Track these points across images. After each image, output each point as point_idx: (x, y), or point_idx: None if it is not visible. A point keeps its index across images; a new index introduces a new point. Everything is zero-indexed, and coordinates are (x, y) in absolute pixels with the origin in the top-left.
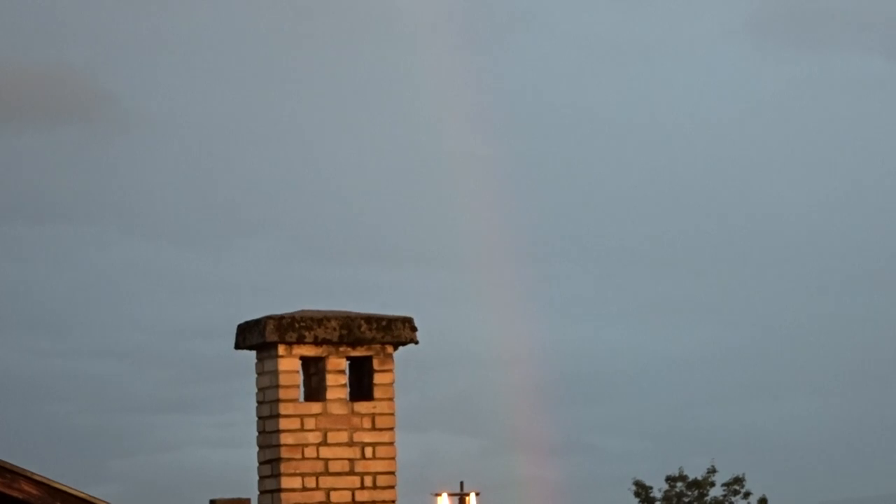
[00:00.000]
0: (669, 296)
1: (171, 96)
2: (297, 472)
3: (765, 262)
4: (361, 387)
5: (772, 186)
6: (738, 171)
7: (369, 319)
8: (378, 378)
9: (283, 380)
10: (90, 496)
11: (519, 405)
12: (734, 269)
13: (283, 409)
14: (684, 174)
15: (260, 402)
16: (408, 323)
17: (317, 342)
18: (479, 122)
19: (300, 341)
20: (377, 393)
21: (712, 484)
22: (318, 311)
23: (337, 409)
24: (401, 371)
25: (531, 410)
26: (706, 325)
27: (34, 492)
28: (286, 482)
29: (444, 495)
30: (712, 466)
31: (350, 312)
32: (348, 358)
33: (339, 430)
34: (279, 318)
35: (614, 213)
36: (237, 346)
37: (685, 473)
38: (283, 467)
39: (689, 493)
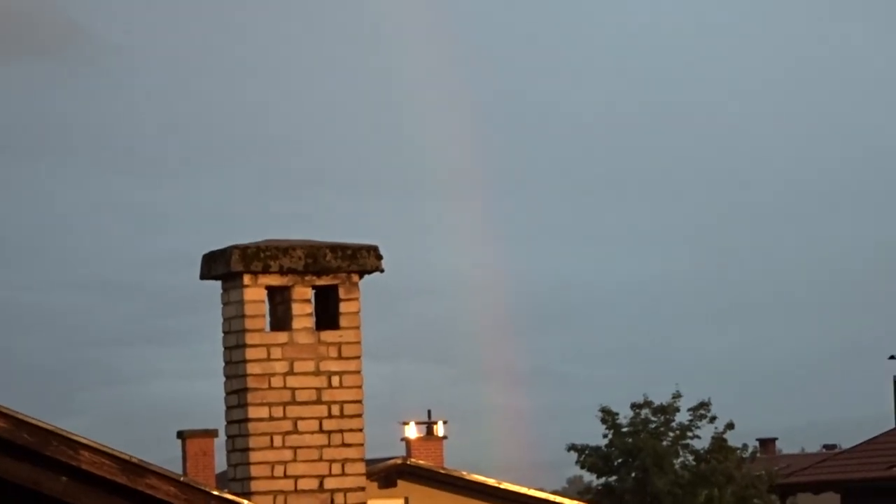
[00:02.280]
0: (637, 223)
1: (140, 27)
2: (264, 401)
3: (732, 186)
4: (327, 316)
5: (746, 106)
6: (717, 94)
7: (334, 248)
8: (344, 307)
9: (248, 309)
10: (58, 428)
11: (486, 334)
12: (702, 195)
13: (250, 338)
14: (658, 100)
15: (226, 333)
16: (373, 251)
17: (282, 271)
18: (448, 47)
19: (265, 271)
20: (343, 322)
21: (678, 409)
22: (284, 241)
23: (303, 339)
24: (367, 300)
25: (499, 339)
26: (673, 252)
27: (2, 424)
28: (253, 412)
29: (412, 424)
30: (677, 392)
31: (315, 241)
32: (314, 287)
33: (305, 359)
34: (244, 248)
35: (583, 142)
36: (202, 277)
37: (650, 399)
38: (250, 397)
39: (655, 418)
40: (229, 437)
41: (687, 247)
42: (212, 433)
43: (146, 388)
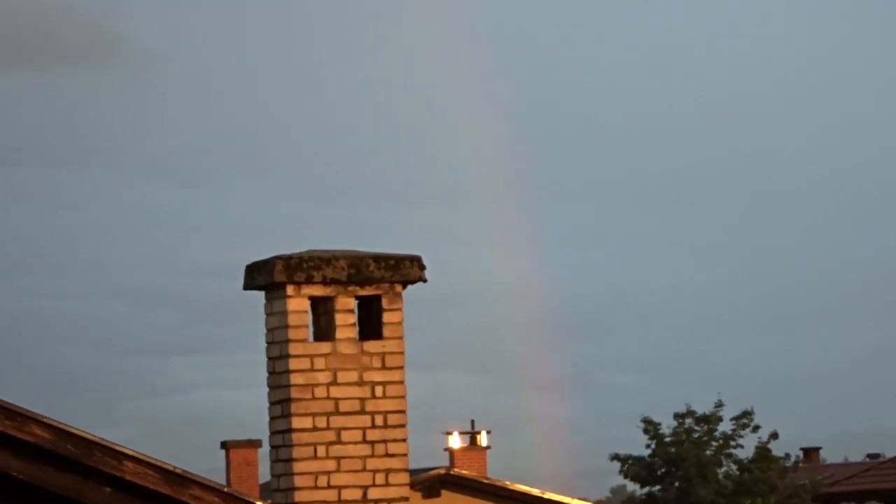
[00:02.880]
0: (677, 229)
1: (180, 36)
2: (308, 412)
3: (772, 194)
4: (370, 326)
5: (789, 112)
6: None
7: (377, 258)
8: (387, 317)
9: (291, 320)
10: (101, 438)
11: (527, 342)
12: (745, 202)
13: (293, 349)
14: (697, 110)
15: (269, 343)
16: (416, 261)
17: (325, 282)
18: (483, 60)
19: (308, 281)
20: (386, 332)
21: (720, 419)
22: (326, 251)
23: (346, 349)
24: (410, 310)
25: (539, 347)
26: (714, 259)
27: (46, 435)
28: (297, 422)
29: (455, 433)
30: (719, 401)
31: (358, 252)
32: (357, 297)
33: (348, 369)
34: (287, 259)
35: (619, 151)
36: (245, 287)
37: (692, 409)
38: (294, 407)
39: (699, 428)
40: (273, 447)
41: (727, 254)
42: (255, 443)
43: (189, 398)
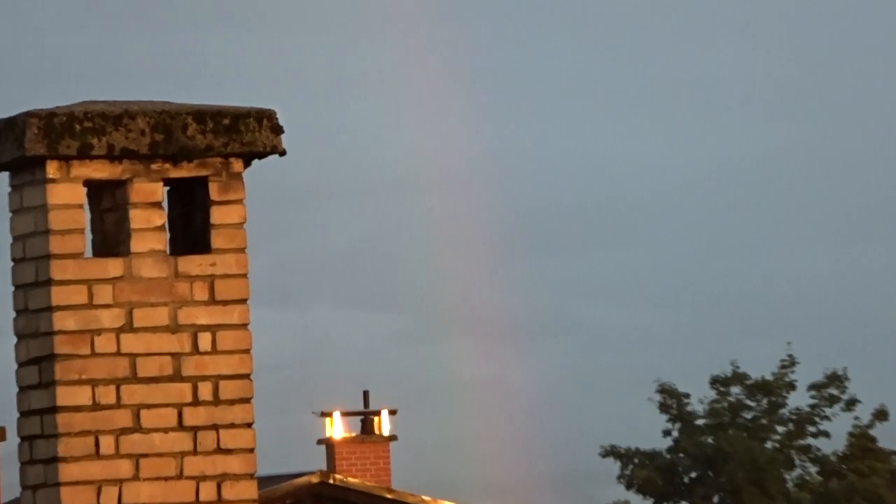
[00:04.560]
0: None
1: None
2: (84, 377)
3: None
4: (191, 231)
5: None
6: None
7: (202, 115)
8: (218, 215)
9: (55, 221)
10: None
11: (462, 262)
12: None
13: (58, 270)
14: None
15: (17, 261)
16: (266, 119)
17: (113, 155)
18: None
19: (85, 154)
20: (218, 240)
21: (791, 387)
22: (116, 103)
23: (150, 270)
24: (260, 205)
25: (483, 268)
26: (741, 129)
27: None
28: (65, 395)
29: (337, 415)
30: (789, 356)
31: (170, 104)
32: (167, 182)
33: (154, 304)
34: (48, 116)
35: None
36: None
37: (741, 369)
38: (61, 371)
39: (752, 402)
40: (24, 439)
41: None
42: None
43: None
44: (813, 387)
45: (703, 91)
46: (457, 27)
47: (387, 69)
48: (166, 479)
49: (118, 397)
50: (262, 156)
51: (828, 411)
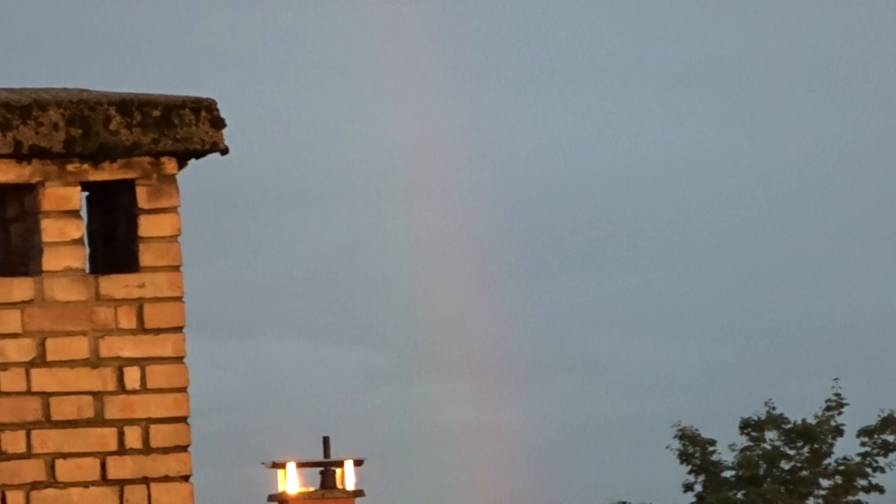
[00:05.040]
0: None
1: None
2: None
3: None
4: (115, 245)
5: None
6: None
7: (127, 106)
8: (147, 226)
9: None
10: None
11: (443, 283)
12: None
13: None
14: None
15: None
16: (205, 111)
17: (20, 154)
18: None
19: None
20: (147, 257)
21: (839, 431)
22: (23, 91)
23: (65, 292)
24: (200, 215)
25: (468, 293)
26: (783, 124)
27: None
28: None
29: (291, 466)
30: (837, 395)
31: (89, 92)
32: (86, 186)
33: (70, 333)
34: None
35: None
36: None
37: (777, 410)
38: None
39: (793, 448)
40: None
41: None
42: None
43: None
44: (864, 432)
45: (737, 78)
46: None
47: (359, 46)
48: None
49: (28, 445)
50: (199, 154)
51: (882, 461)
